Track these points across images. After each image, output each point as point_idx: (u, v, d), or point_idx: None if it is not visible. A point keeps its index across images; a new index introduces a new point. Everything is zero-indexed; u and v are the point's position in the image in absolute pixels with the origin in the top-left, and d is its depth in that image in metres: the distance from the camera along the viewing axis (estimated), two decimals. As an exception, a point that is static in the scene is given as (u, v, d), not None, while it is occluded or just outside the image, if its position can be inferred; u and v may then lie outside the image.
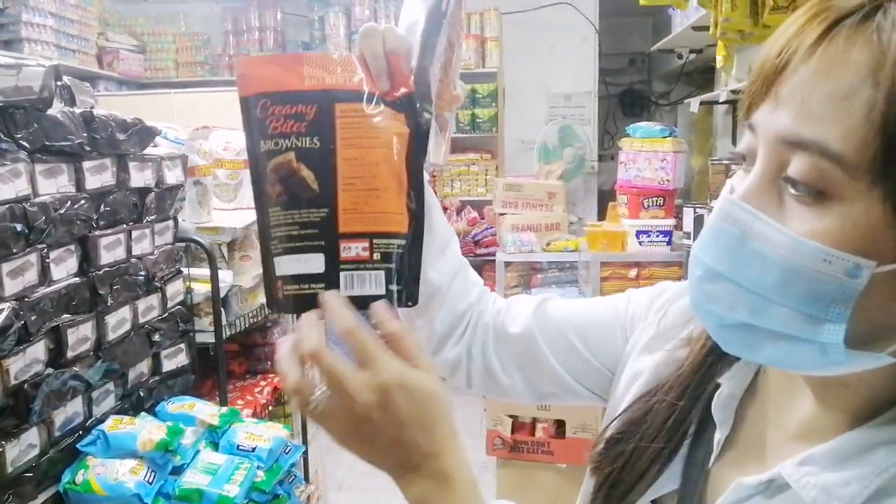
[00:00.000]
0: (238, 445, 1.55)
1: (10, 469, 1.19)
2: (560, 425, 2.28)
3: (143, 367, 1.61)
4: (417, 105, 0.62)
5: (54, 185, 1.30)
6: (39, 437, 1.27)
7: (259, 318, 2.16)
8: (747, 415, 0.57)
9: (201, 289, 1.84)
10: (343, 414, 0.52)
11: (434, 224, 0.70)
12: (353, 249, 0.59)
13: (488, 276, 3.75)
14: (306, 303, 0.58)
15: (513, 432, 2.29)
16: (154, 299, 1.62)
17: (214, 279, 1.81)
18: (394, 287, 0.60)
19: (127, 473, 1.32)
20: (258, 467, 1.52)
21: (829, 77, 0.42)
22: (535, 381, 0.74)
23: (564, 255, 3.18)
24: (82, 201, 1.35)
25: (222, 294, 1.87)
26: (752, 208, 0.45)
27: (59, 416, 1.32)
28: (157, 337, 1.62)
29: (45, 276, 1.27)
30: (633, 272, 3.00)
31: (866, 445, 0.46)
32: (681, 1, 2.20)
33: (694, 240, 2.86)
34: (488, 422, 2.31)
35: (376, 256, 0.59)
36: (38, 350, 1.25)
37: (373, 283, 0.59)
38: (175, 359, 1.72)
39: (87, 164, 1.37)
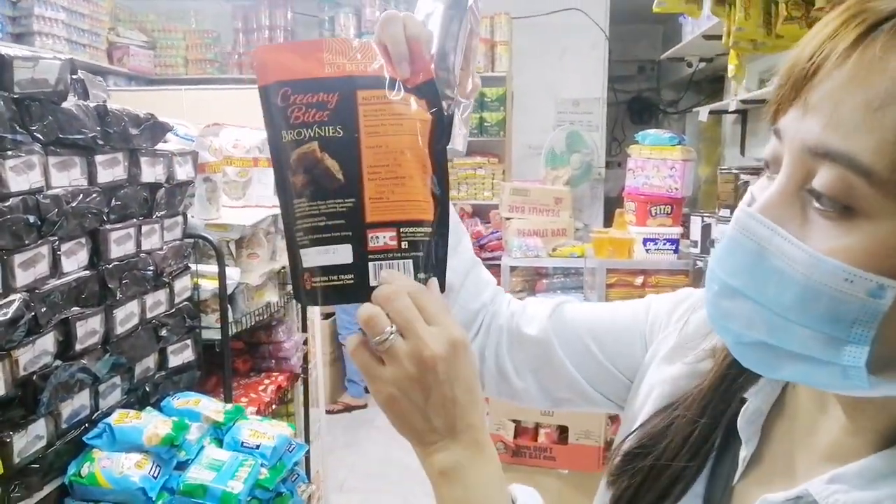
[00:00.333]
0: (242, 442, 1.55)
1: (17, 460, 1.19)
2: (563, 431, 2.27)
3: (150, 361, 1.61)
4: (439, 91, 0.62)
5: (67, 177, 1.30)
6: (46, 429, 1.27)
7: (265, 317, 2.16)
8: (774, 431, 0.55)
9: (208, 285, 1.84)
10: (409, 360, 0.52)
11: None
12: (380, 239, 0.58)
13: (493, 279, 3.74)
14: (335, 294, 0.58)
15: (515, 437, 2.29)
16: (162, 294, 1.62)
17: (222, 276, 1.81)
18: (422, 276, 0.60)
19: (132, 467, 1.32)
20: (262, 465, 1.52)
21: (863, 85, 0.40)
22: (549, 385, 0.73)
23: (570, 260, 3.18)
24: (94, 195, 1.35)
25: (229, 291, 1.87)
26: (771, 222, 0.43)
27: (67, 409, 1.33)
28: (164, 332, 1.62)
29: (55, 268, 1.27)
30: (639, 279, 2.99)
31: None
32: (693, 9, 2.20)
33: (701, 249, 2.86)
34: (491, 426, 2.31)
35: (404, 245, 0.59)
36: (48, 342, 1.25)
37: (402, 271, 0.59)
38: (181, 354, 1.72)
39: (99, 158, 1.37)
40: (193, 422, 1.50)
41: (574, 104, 5.18)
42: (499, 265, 3.33)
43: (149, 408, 1.53)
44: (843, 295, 0.40)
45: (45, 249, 1.24)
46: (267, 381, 2.24)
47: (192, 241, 1.76)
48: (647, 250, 3.03)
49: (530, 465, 2.27)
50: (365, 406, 4.45)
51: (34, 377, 1.21)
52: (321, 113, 0.58)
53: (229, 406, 1.66)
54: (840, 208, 0.41)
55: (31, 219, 1.20)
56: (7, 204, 1.15)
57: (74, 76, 1.41)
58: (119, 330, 1.45)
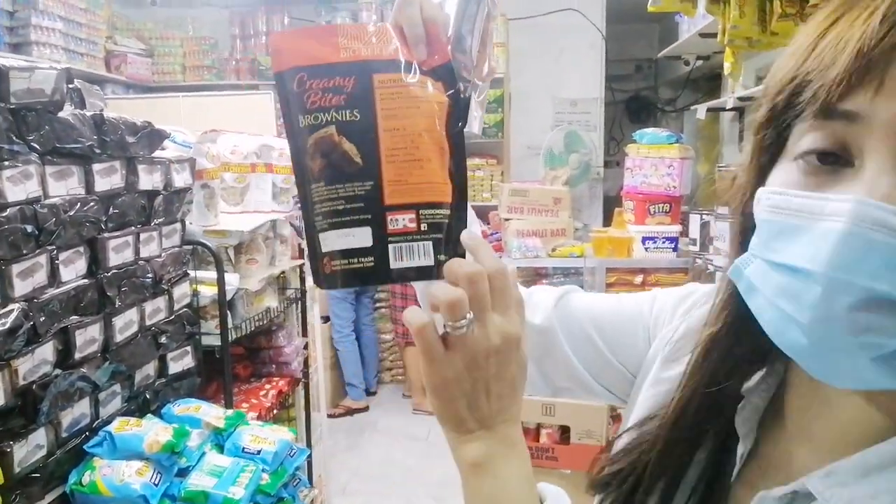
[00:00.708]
0: (243, 448, 1.55)
1: (17, 469, 1.19)
2: (565, 431, 2.27)
3: (150, 368, 1.61)
4: (456, 74, 0.62)
5: (64, 186, 1.31)
6: (47, 438, 1.27)
7: (265, 322, 2.17)
8: (771, 428, 0.55)
9: (208, 291, 1.84)
10: (470, 349, 0.51)
11: None
12: (400, 221, 0.59)
13: (493, 281, 3.74)
14: (356, 277, 0.58)
15: (517, 438, 2.28)
16: (161, 301, 1.63)
17: (221, 282, 1.81)
18: (442, 257, 0.60)
19: (133, 475, 1.32)
20: (263, 470, 1.52)
21: None
22: (551, 373, 0.72)
23: (570, 260, 3.18)
24: (91, 203, 1.36)
25: (228, 297, 1.88)
26: None
27: (67, 417, 1.33)
28: (163, 339, 1.63)
29: (54, 277, 1.27)
30: (638, 278, 2.99)
31: (894, 458, 0.44)
32: (688, 8, 2.20)
33: (700, 247, 2.86)
34: (493, 427, 2.31)
35: (423, 227, 0.59)
36: (47, 351, 1.25)
37: (422, 253, 0.59)
38: (181, 361, 1.72)
39: (96, 167, 1.38)
40: (194, 428, 1.50)
41: (572, 104, 5.19)
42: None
43: (149, 415, 1.53)
44: None
45: (43, 259, 1.24)
46: (268, 387, 2.24)
47: (190, 247, 1.76)
48: (646, 249, 3.03)
49: (533, 466, 2.27)
50: (366, 409, 4.45)
51: (34, 386, 1.22)
52: (338, 97, 0.58)
53: (230, 412, 1.66)
54: None
55: (29, 228, 1.20)
56: (4, 214, 1.15)
57: (71, 85, 1.41)
58: (118, 338, 1.45)
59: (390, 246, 0.58)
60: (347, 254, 0.58)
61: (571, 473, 2.24)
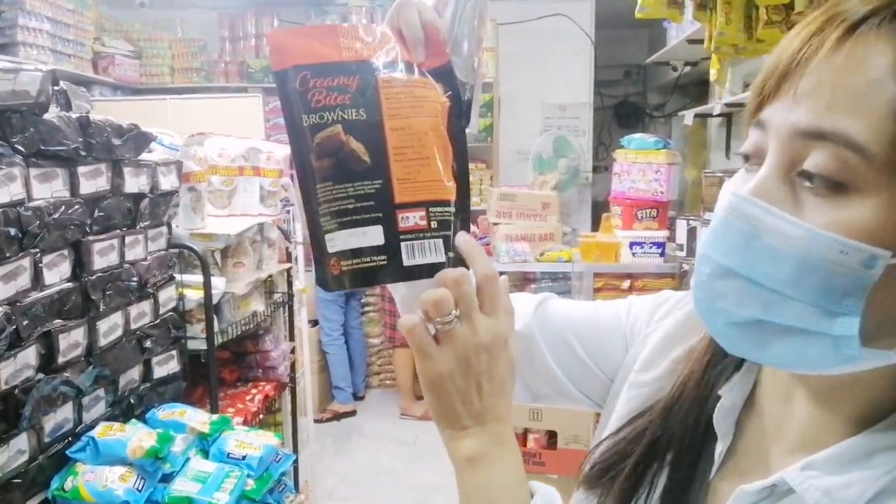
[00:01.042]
0: (228, 453, 1.54)
1: (-2, 475, 1.18)
2: (552, 436, 2.27)
3: (135, 373, 1.60)
4: (455, 75, 0.62)
5: (49, 189, 1.29)
6: (29, 443, 1.26)
7: (251, 326, 2.16)
8: (746, 426, 0.57)
9: (194, 295, 1.83)
10: (460, 345, 0.54)
11: None
12: (411, 219, 0.59)
13: (482, 285, 3.74)
14: (367, 276, 0.58)
15: (505, 442, 2.29)
16: (146, 305, 1.61)
17: (207, 286, 1.80)
18: (451, 254, 0.60)
19: (116, 480, 1.31)
20: (248, 475, 1.51)
21: (854, 73, 0.43)
22: (529, 380, 0.73)
23: (558, 265, 3.19)
24: (76, 206, 1.35)
25: (215, 301, 1.86)
26: (763, 202, 0.45)
27: (49, 422, 1.32)
28: (148, 343, 1.62)
29: (37, 280, 1.26)
30: (626, 283, 3.00)
31: (868, 450, 0.46)
32: (675, 14, 2.22)
33: (687, 252, 2.87)
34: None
35: (433, 224, 0.59)
36: (30, 355, 1.24)
37: (433, 251, 0.59)
38: (166, 365, 1.71)
39: (81, 169, 1.37)
40: (179, 433, 1.49)
41: (561, 109, 5.21)
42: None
43: (133, 420, 1.52)
44: (838, 267, 0.42)
45: (26, 262, 1.23)
46: (254, 391, 2.23)
47: (176, 251, 1.75)
48: (633, 254, 3.04)
49: (520, 471, 2.28)
50: (354, 413, 4.44)
51: (16, 391, 1.21)
52: (342, 96, 0.58)
53: (215, 417, 1.65)
54: (832, 185, 0.43)
55: (12, 231, 1.19)
56: (-13, 217, 1.14)
57: (56, 87, 1.40)
58: (103, 342, 1.44)
59: (403, 244, 0.59)
60: (358, 253, 0.58)
61: (558, 478, 2.24)
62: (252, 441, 1.59)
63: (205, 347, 1.83)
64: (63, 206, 1.31)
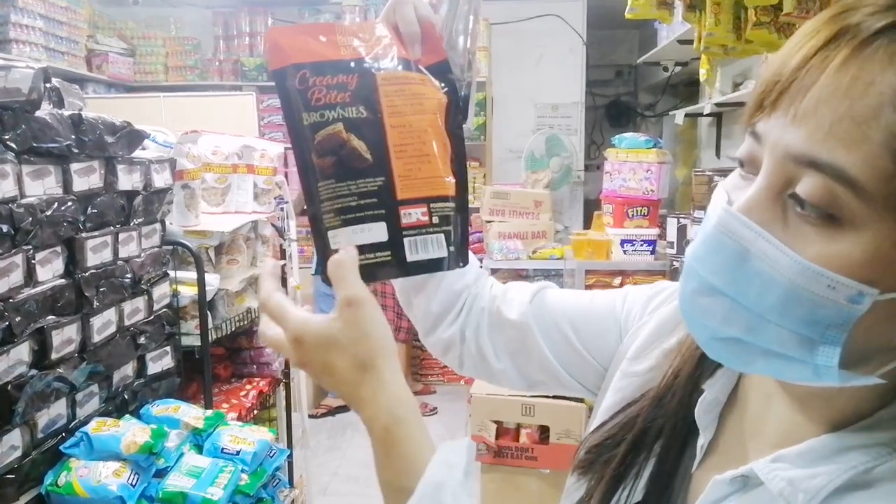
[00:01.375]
0: (222, 448, 1.55)
1: (-8, 470, 1.19)
2: (544, 431, 2.29)
3: (128, 369, 1.61)
4: (452, 71, 0.63)
5: (41, 186, 1.30)
6: (22, 439, 1.26)
7: (245, 322, 2.16)
8: (729, 420, 0.57)
9: (188, 292, 1.84)
10: (293, 351, 0.58)
11: None
12: (413, 215, 0.60)
13: (475, 283, 3.76)
14: (371, 272, 0.59)
15: (497, 438, 2.30)
16: (140, 302, 1.62)
17: (201, 282, 1.81)
18: (452, 249, 0.61)
19: (110, 476, 1.32)
20: (242, 470, 1.52)
21: (858, 99, 0.40)
22: (525, 368, 0.74)
23: (550, 262, 3.21)
24: (69, 203, 1.35)
25: (209, 297, 1.87)
26: (755, 224, 0.44)
27: (43, 418, 1.32)
28: (142, 339, 1.62)
29: (30, 277, 1.27)
30: (617, 280, 3.03)
31: (840, 448, 0.47)
32: (665, 15, 2.23)
33: (677, 250, 2.90)
34: (473, 427, 2.33)
35: (435, 220, 0.60)
36: (23, 351, 1.25)
37: (435, 246, 0.60)
38: (160, 361, 1.72)
39: (74, 166, 1.38)
40: (173, 429, 1.50)
41: (553, 108, 5.23)
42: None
43: (127, 416, 1.53)
44: (824, 300, 0.42)
45: (19, 258, 1.24)
46: (248, 387, 2.24)
47: (170, 247, 1.76)
48: (624, 251, 3.07)
49: (512, 466, 2.29)
50: (347, 408, 4.44)
51: (9, 387, 1.21)
52: (343, 94, 0.59)
53: (209, 412, 1.66)
54: (823, 215, 0.42)
55: (5, 228, 1.20)
56: (-20, 213, 1.15)
57: (48, 84, 1.41)
58: (96, 338, 1.45)
59: (406, 239, 0.60)
60: (362, 249, 0.59)
61: (550, 473, 2.26)
62: (246, 436, 1.60)
63: (199, 344, 1.84)
64: (56, 203, 1.32)
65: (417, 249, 0.60)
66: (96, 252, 1.44)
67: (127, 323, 1.57)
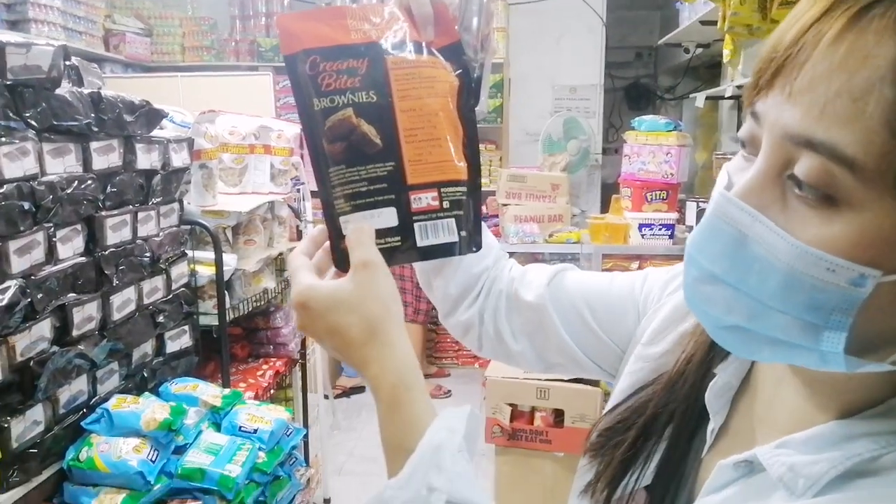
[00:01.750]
0: (240, 427, 1.57)
1: (15, 445, 1.21)
2: (559, 414, 2.29)
3: (148, 347, 1.62)
4: (465, 53, 0.62)
5: (62, 164, 1.31)
6: (44, 414, 1.28)
7: (262, 303, 2.17)
8: (740, 405, 0.57)
9: (205, 272, 1.85)
10: (297, 312, 0.59)
11: None
12: (423, 200, 0.60)
13: (490, 266, 3.75)
14: (383, 258, 0.58)
15: (512, 420, 2.30)
16: (159, 281, 1.63)
17: (219, 262, 1.82)
18: (463, 233, 0.61)
19: (130, 451, 1.33)
20: (260, 448, 1.53)
21: (848, 73, 0.39)
22: (542, 350, 0.74)
23: (567, 246, 3.19)
24: (89, 181, 1.36)
25: (226, 277, 1.88)
26: (752, 209, 0.43)
27: (64, 394, 1.34)
28: (161, 318, 1.64)
29: (51, 254, 1.28)
30: (634, 265, 3.00)
31: (846, 436, 0.45)
32: (689, -6, 2.20)
33: (696, 234, 2.87)
34: (487, 410, 2.33)
35: (446, 205, 0.60)
36: (44, 328, 1.26)
37: (446, 230, 0.60)
38: (179, 340, 1.73)
39: (94, 145, 1.38)
40: (191, 406, 1.52)
41: (571, 90, 5.17)
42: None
43: (147, 393, 1.55)
44: (825, 284, 0.40)
45: (40, 236, 1.24)
46: (265, 367, 2.26)
47: (188, 227, 1.77)
48: (642, 236, 3.04)
49: (526, 448, 2.29)
50: (363, 388, 4.47)
51: (31, 363, 1.23)
52: (353, 79, 0.59)
53: (227, 391, 1.67)
54: (822, 196, 0.40)
55: (26, 205, 1.20)
56: (1, 191, 1.15)
57: (68, 62, 1.41)
58: (116, 316, 1.46)
59: (416, 224, 0.60)
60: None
61: (565, 456, 2.26)
62: (263, 415, 1.61)
63: (216, 323, 1.85)
64: (76, 182, 1.32)
65: (428, 234, 0.60)
66: (116, 231, 1.45)
67: (146, 301, 1.58)
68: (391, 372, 0.55)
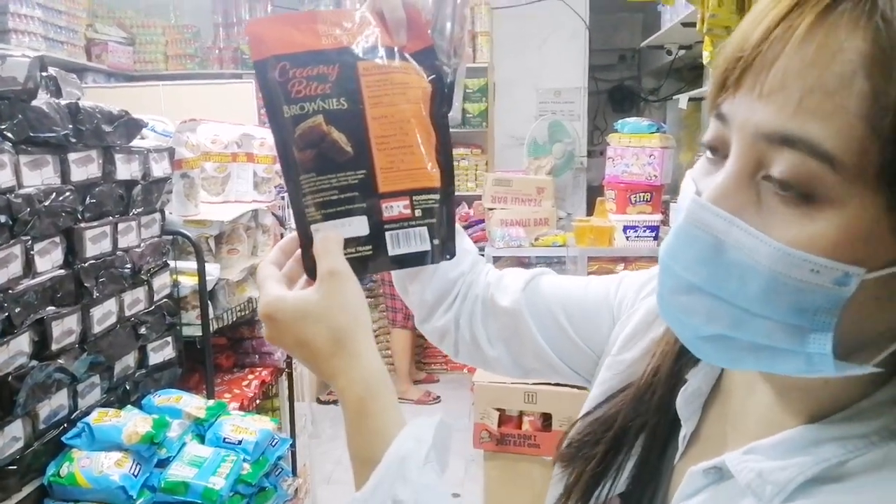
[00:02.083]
0: (224, 438, 1.55)
1: (-6, 461, 1.19)
2: (546, 418, 2.28)
3: (130, 359, 1.60)
4: (438, 58, 0.62)
5: (39, 176, 1.29)
6: (24, 430, 1.27)
7: (247, 312, 2.16)
8: (711, 410, 0.56)
9: (188, 282, 1.83)
10: (265, 323, 0.59)
11: None
12: (395, 208, 0.59)
13: (477, 270, 3.75)
14: (354, 267, 0.58)
15: (500, 425, 2.30)
16: (140, 292, 1.62)
17: (201, 272, 1.81)
18: (436, 241, 0.60)
19: (112, 466, 1.32)
20: (244, 460, 1.52)
21: (825, 68, 0.38)
22: (519, 355, 0.73)
23: (552, 249, 3.19)
24: (67, 193, 1.35)
25: (209, 287, 1.87)
26: (727, 213, 0.41)
27: (44, 409, 1.32)
28: (143, 330, 1.62)
29: (29, 268, 1.26)
30: (620, 267, 3.01)
31: (815, 440, 0.44)
32: (668, -3, 2.21)
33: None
34: (476, 415, 2.32)
35: (418, 213, 0.59)
36: (23, 342, 1.24)
37: (418, 239, 0.59)
38: (162, 352, 1.72)
39: (72, 156, 1.37)
40: (174, 419, 1.50)
41: (555, 94, 5.19)
42: (482, 255, 3.33)
43: (129, 406, 1.53)
44: (809, 285, 0.39)
45: (17, 249, 1.23)
46: (251, 377, 2.24)
47: (170, 237, 1.76)
48: (627, 238, 3.05)
49: (515, 453, 2.29)
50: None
51: (10, 378, 1.21)
52: (323, 86, 0.58)
53: (211, 402, 1.66)
54: (800, 195, 0.39)
55: (3, 218, 1.19)
56: (-23, 204, 1.14)
57: (45, 73, 1.40)
58: (97, 329, 1.44)
59: (387, 233, 0.59)
60: (344, 244, 0.58)
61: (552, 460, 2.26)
62: (248, 426, 1.60)
63: (200, 334, 1.84)
64: (54, 193, 1.31)
65: (399, 243, 0.59)
66: (95, 242, 1.44)
67: (127, 313, 1.56)
68: (357, 383, 0.55)
